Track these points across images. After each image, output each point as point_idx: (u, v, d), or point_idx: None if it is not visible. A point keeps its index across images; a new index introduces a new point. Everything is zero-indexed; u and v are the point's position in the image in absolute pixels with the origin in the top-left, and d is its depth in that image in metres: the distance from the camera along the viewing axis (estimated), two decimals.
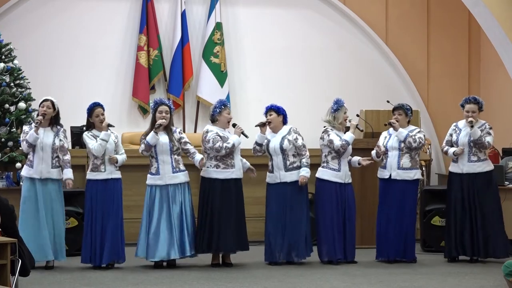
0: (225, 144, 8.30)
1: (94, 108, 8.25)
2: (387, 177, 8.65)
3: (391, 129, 8.76)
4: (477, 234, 8.61)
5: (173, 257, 8.23)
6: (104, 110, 8.28)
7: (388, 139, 8.71)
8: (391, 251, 8.65)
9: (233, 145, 8.32)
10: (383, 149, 8.63)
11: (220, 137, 8.31)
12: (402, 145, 8.63)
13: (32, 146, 8.02)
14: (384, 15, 11.96)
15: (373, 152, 8.68)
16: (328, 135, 8.56)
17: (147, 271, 8.12)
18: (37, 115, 8.22)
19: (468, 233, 8.63)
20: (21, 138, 8.17)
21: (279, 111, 8.58)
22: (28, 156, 8.13)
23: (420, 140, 8.60)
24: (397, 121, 8.66)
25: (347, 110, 8.66)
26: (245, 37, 11.73)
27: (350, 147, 8.59)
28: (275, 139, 8.53)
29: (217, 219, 8.32)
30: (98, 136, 8.19)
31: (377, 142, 8.77)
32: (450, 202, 8.80)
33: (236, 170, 8.39)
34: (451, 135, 8.83)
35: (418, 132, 8.67)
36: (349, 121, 8.66)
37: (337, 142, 8.47)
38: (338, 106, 8.63)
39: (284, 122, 8.62)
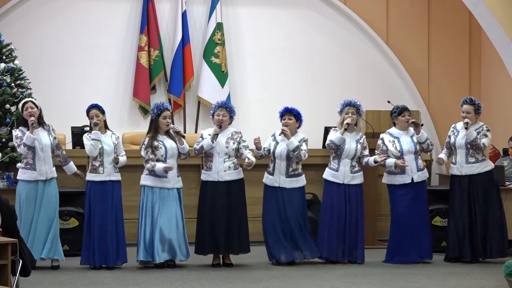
0: (195, 145, 8.34)
1: (89, 110, 8.29)
2: (408, 181, 8.62)
3: (394, 131, 8.72)
4: (477, 235, 8.60)
5: (162, 260, 8.21)
6: (101, 111, 8.27)
7: (399, 143, 8.70)
8: (423, 252, 8.68)
9: (201, 147, 8.29)
10: (406, 164, 8.56)
11: (203, 138, 8.34)
12: (418, 147, 8.64)
13: (31, 148, 8.00)
14: (384, 15, 11.95)
15: (392, 164, 8.57)
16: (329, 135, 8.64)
17: (147, 271, 8.12)
18: (19, 118, 8.16)
19: (468, 235, 8.62)
20: (16, 144, 8.05)
21: (298, 117, 8.54)
22: (25, 160, 8.04)
23: (431, 142, 8.78)
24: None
25: (351, 111, 8.56)
26: (246, 37, 11.72)
27: (350, 147, 8.55)
28: (282, 144, 8.50)
29: (204, 220, 8.35)
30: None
31: (381, 147, 8.67)
32: (451, 204, 8.81)
33: (213, 173, 8.32)
34: (449, 136, 8.83)
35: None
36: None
37: (327, 142, 8.58)
38: (340, 108, 8.68)
39: (298, 126, 8.62)
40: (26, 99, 8.19)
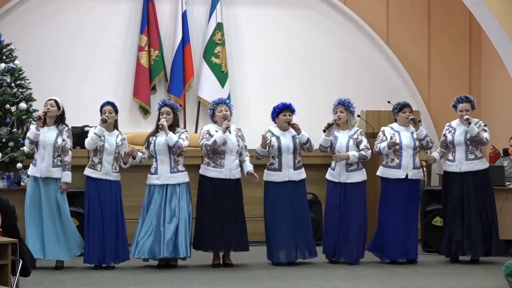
0: (205, 141, 8.32)
1: (103, 106, 8.34)
2: (403, 177, 8.64)
3: (395, 126, 8.75)
4: (471, 233, 8.59)
5: (158, 257, 8.20)
6: (115, 109, 8.34)
7: (399, 137, 8.70)
8: (410, 251, 8.69)
9: (214, 142, 8.28)
10: (397, 141, 8.63)
11: (210, 135, 8.34)
12: (417, 143, 8.65)
13: (34, 143, 8.07)
14: (385, 15, 11.95)
15: (385, 145, 8.64)
16: None
17: (148, 271, 8.13)
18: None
19: (461, 232, 8.61)
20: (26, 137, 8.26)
21: (294, 112, 8.62)
22: (35, 155, 8.17)
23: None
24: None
25: (340, 109, 8.62)
26: (246, 37, 11.72)
27: (341, 145, 8.56)
28: (285, 137, 8.53)
29: (207, 217, 8.35)
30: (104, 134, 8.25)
31: (381, 138, 8.71)
32: (448, 202, 8.78)
33: (225, 170, 8.34)
34: (445, 135, 8.85)
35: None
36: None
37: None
38: (333, 108, 8.73)
39: None
40: (51, 97, 8.26)
